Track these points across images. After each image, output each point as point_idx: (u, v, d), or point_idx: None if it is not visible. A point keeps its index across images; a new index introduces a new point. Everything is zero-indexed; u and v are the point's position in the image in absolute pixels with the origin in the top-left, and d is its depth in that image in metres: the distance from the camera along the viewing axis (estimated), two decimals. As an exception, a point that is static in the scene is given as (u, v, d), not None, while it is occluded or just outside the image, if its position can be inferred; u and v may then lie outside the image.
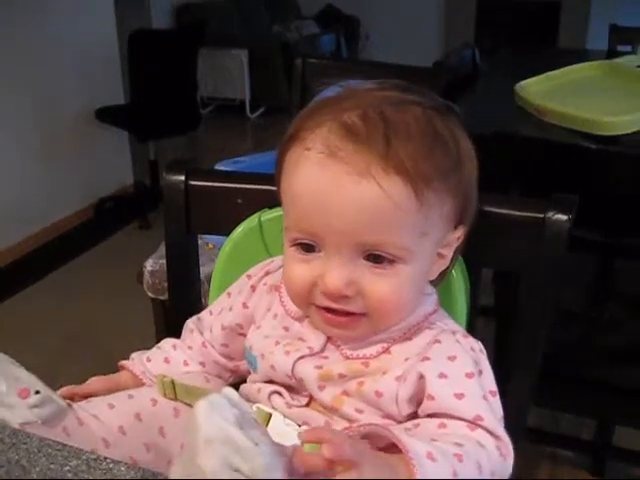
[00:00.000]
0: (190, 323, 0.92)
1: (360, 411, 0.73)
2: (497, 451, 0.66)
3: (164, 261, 1.76)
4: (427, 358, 0.70)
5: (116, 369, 0.92)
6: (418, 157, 0.66)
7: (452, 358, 0.71)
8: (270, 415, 0.76)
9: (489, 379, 0.73)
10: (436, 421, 0.67)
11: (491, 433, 0.66)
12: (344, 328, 0.72)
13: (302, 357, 0.75)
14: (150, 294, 1.76)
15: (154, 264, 1.76)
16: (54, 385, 0.76)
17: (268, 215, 0.93)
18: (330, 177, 0.67)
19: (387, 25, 6.48)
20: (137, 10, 4.34)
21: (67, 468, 0.62)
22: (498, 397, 0.72)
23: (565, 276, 0.91)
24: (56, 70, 3.50)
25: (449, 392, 0.68)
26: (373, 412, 0.73)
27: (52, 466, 0.63)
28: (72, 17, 3.55)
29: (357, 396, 0.73)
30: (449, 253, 0.76)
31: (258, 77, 5.42)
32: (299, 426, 0.75)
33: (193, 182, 0.97)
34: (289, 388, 0.78)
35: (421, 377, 0.70)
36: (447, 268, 0.79)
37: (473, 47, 2.36)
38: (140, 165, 4.12)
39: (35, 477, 0.62)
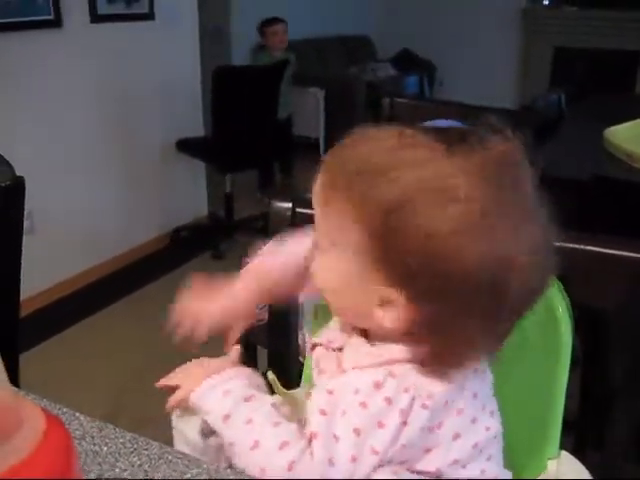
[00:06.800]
0: None
1: None
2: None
3: (248, 289, 1.80)
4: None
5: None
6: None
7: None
8: None
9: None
10: None
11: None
12: None
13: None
14: (232, 320, 1.79)
15: (237, 291, 1.79)
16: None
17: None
18: None
19: (461, 71, 6.51)
20: (219, 46, 4.46)
21: (188, 476, 0.64)
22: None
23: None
24: (140, 102, 3.62)
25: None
26: None
27: (174, 473, 0.65)
28: (158, 52, 3.67)
29: None
30: (387, 312, 0.69)
31: (333, 116, 5.47)
32: None
33: (299, 209, 1.00)
34: None
35: None
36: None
37: (560, 93, 2.36)
38: (215, 197, 4.21)
39: (158, 482, 0.64)
